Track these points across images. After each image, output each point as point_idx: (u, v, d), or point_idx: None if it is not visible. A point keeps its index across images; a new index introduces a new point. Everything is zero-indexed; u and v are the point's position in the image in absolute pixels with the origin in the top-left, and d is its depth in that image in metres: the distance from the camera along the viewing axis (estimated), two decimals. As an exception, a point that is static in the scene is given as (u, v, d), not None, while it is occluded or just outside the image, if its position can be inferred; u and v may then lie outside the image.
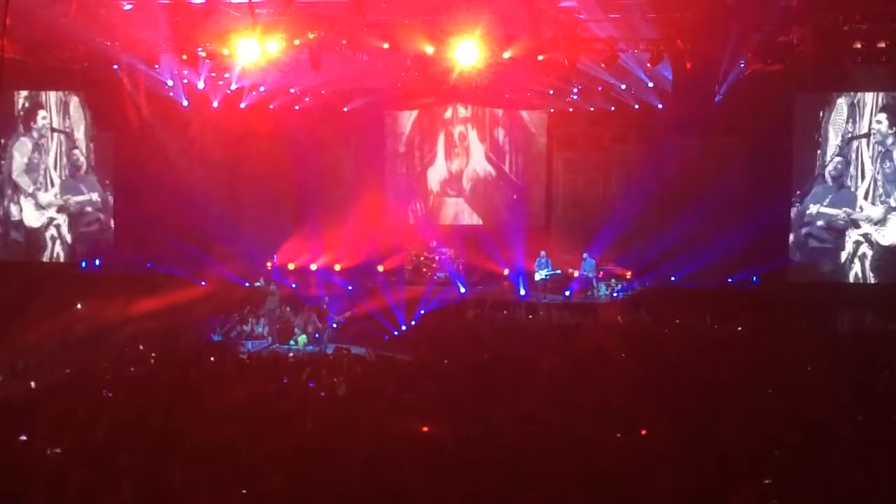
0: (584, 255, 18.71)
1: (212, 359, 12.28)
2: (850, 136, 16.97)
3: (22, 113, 18.88)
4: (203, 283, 17.83)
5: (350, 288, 18.56)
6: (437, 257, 20.01)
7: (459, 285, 18.91)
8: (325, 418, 8.54)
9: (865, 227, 17.05)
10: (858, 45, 14.16)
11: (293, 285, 18.58)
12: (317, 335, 15.84)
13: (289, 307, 17.03)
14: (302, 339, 15.78)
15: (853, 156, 17.02)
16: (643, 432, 7.79)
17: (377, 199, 20.73)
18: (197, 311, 15.85)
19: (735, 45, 14.43)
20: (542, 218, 20.67)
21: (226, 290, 17.62)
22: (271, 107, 19.32)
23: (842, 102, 16.89)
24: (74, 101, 18.83)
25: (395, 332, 15.77)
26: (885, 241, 16.95)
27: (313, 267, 19.83)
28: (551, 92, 18.55)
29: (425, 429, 7.96)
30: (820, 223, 17.27)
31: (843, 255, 17.22)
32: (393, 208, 21.13)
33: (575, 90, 18.20)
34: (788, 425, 8.08)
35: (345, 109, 20.05)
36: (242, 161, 19.50)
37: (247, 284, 18.49)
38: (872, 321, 15.60)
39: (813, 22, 13.67)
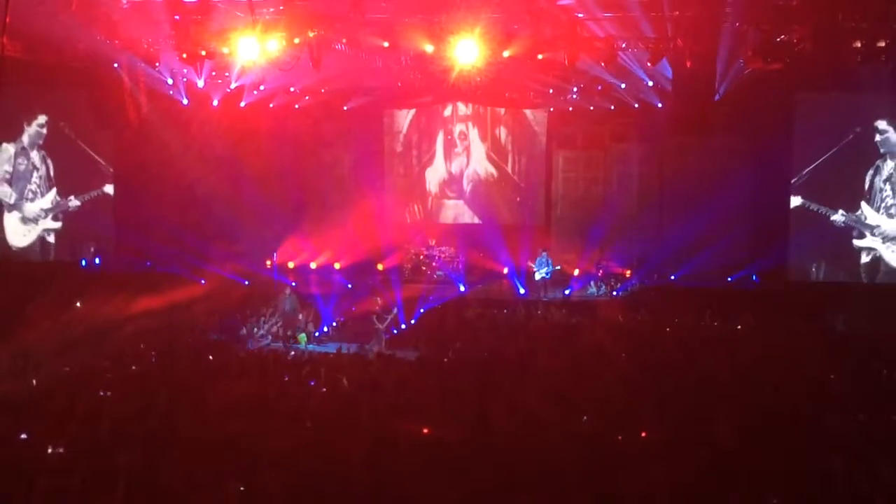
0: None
1: (211, 357, 12.30)
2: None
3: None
4: (203, 281, 17.86)
5: (350, 286, 18.58)
6: (436, 256, 20.04)
7: (459, 284, 18.90)
8: (324, 416, 8.54)
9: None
10: (858, 45, 14.13)
11: (293, 283, 18.58)
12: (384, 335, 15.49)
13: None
14: (302, 337, 15.79)
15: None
16: (643, 434, 7.79)
17: (377, 197, 20.73)
18: (197, 310, 15.86)
19: (735, 43, 14.41)
20: (541, 217, 20.66)
21: (225, 288, 17.62)
22: (271, 105, 19.32)
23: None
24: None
25: (395, 331, 15.79)
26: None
27: (313, 265, 19.83)
28: (551, 91, 18.55)
29: (425, 427, 7.97)
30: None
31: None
32: (392, 206, 21.12)
33: (575, 89, 18.22)
34: (788, 425, 8.09)
35: (345, 108, 20.05)
36: (242, 159, 19.47)
37: (246, 283, 18.50)
38: (871, 320, 15.59)
39: (813, 21, 13.64)
